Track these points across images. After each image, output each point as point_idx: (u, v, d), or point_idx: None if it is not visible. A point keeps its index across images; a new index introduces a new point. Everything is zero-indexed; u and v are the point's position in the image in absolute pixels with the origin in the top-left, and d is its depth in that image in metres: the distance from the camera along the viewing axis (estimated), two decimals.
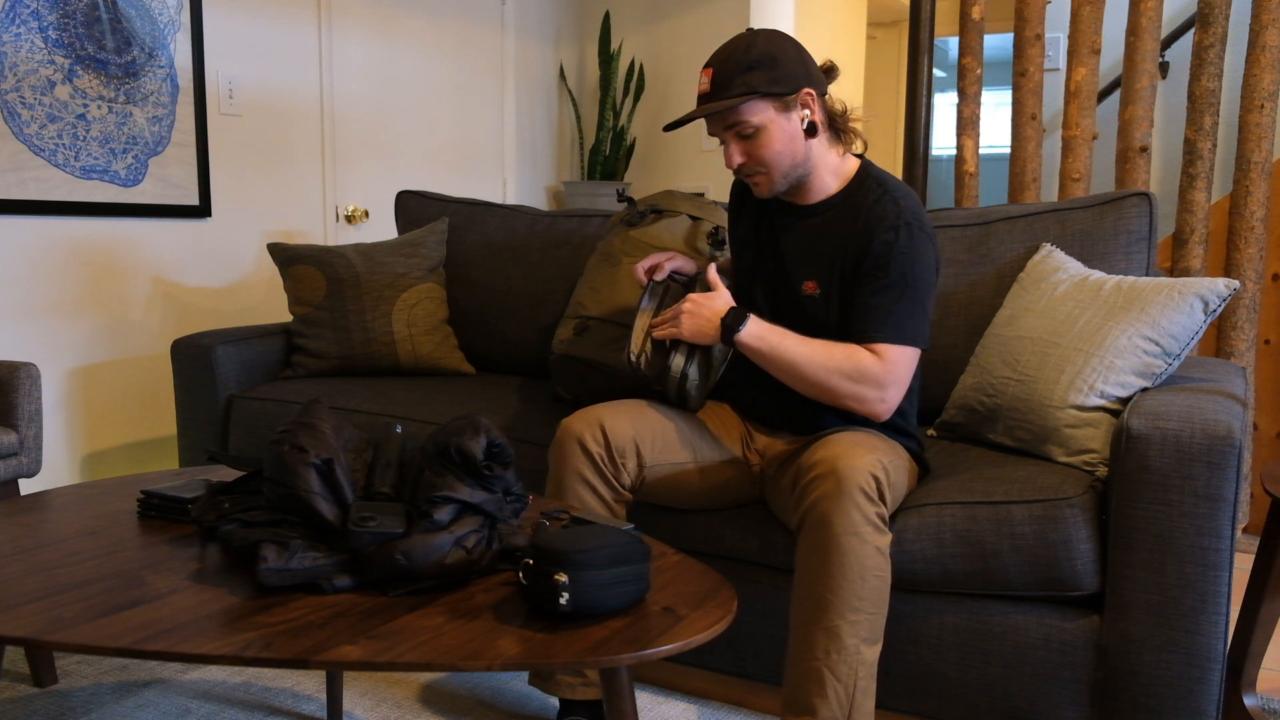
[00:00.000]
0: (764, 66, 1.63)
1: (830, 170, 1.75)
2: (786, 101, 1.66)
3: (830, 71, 1.73)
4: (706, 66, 1.67)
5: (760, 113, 1.65)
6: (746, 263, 1.86)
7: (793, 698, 1.54)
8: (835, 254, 1.72)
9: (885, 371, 1.63)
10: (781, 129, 1.67)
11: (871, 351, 1.64)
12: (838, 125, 1.73)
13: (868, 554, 1.50)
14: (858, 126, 1.76)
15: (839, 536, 1.50)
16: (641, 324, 1.81)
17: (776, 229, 1.80)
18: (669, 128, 1.71)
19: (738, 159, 1.70)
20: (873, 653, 1.53)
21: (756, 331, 1.67)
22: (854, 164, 1.77)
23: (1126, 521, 1.55)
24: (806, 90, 1.66)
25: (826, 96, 1.72)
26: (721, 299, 1.70)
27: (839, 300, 1.72)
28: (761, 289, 1.82)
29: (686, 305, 1.69)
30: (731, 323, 1.67)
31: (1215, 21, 2.72)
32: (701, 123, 1.78)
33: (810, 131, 1.68)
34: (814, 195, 1.76)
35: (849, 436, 1.62)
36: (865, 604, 1.51)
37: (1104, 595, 1.59)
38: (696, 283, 1.85)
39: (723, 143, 1.71)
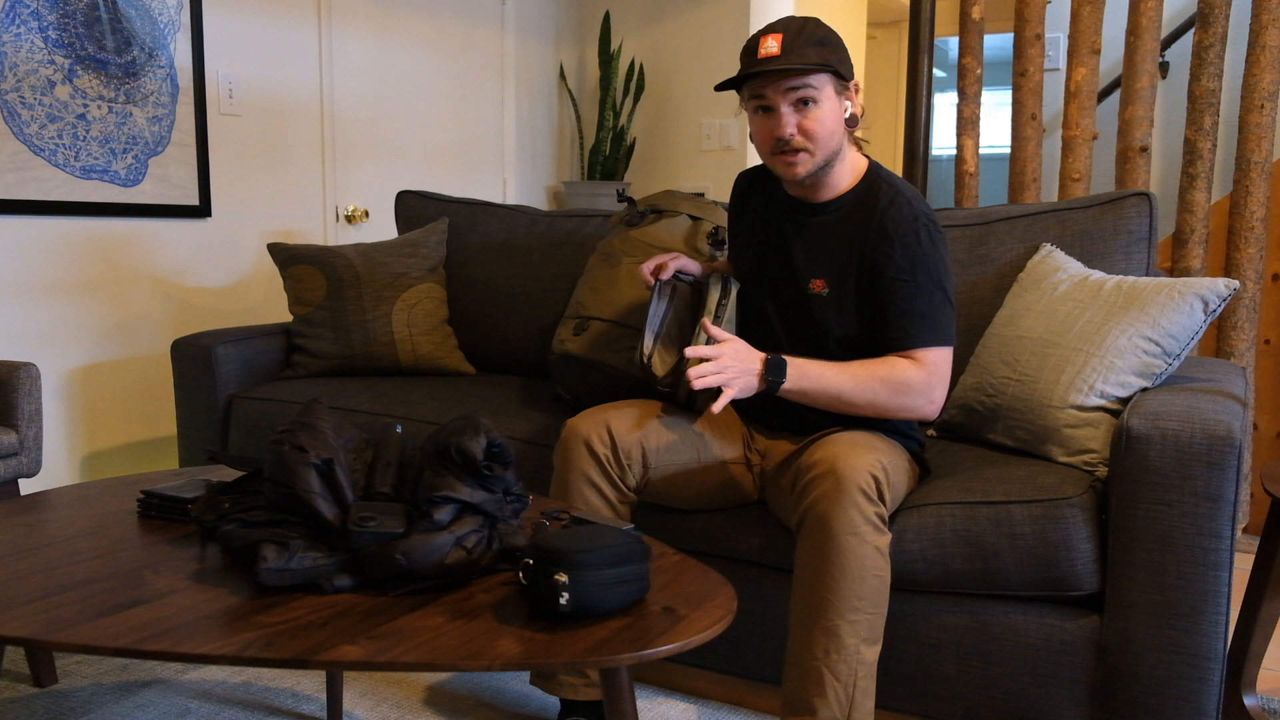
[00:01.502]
0: (832, 46, 1.66)
1: (847, 166, 1.76)
2: (845, 85, 1.69)
3: None
4: (771, 32, 1.66)
5: (825, 86, 1.66)
6: (752, 259, 1.86)
7: (792, 698, 1.54)
8: (847, 254, 1.72)
9: (929, 375, 1.65)
10: (835, 110, 1.68)
11: (911, 358, 1.65)
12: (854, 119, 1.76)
13: (867, 554, 1.51)
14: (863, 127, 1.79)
15: (838, 536, 1.50)
16: (652, 326, 1.80)
17: (785, 226, 1.80)
18: (721, 87, 1.68)
19: (790, 129, 1.66)
20: (872, 653, 1.53)
21: (797, 374, 1.65)
22: (863, 163, 1.78)
23: (1126, 521, 1.55)
24: (855, 82, 1.70)
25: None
26: (751, 350, 1.65)
27: (853, 301, 1.72)
28: (768, 286, 1.82)
29: (731, 356, 1.61)
30: (772, 376, 1.63)
31: (1215, 21, 2.72)
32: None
33: (851, 123, 1.71)
34: (827, 192, 1.76)
35: (849, 436, 1.62)
36: (865, 604, 1.51)
37: (1104, 595, 1.59)
38: (708, 285, 1.83)
39: (769, 110, 1.66)
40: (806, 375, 1.65)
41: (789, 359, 1.65)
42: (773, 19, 4.03)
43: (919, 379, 1.65)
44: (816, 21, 1.68)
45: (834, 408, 1.68)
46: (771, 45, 1.65)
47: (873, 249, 1.69)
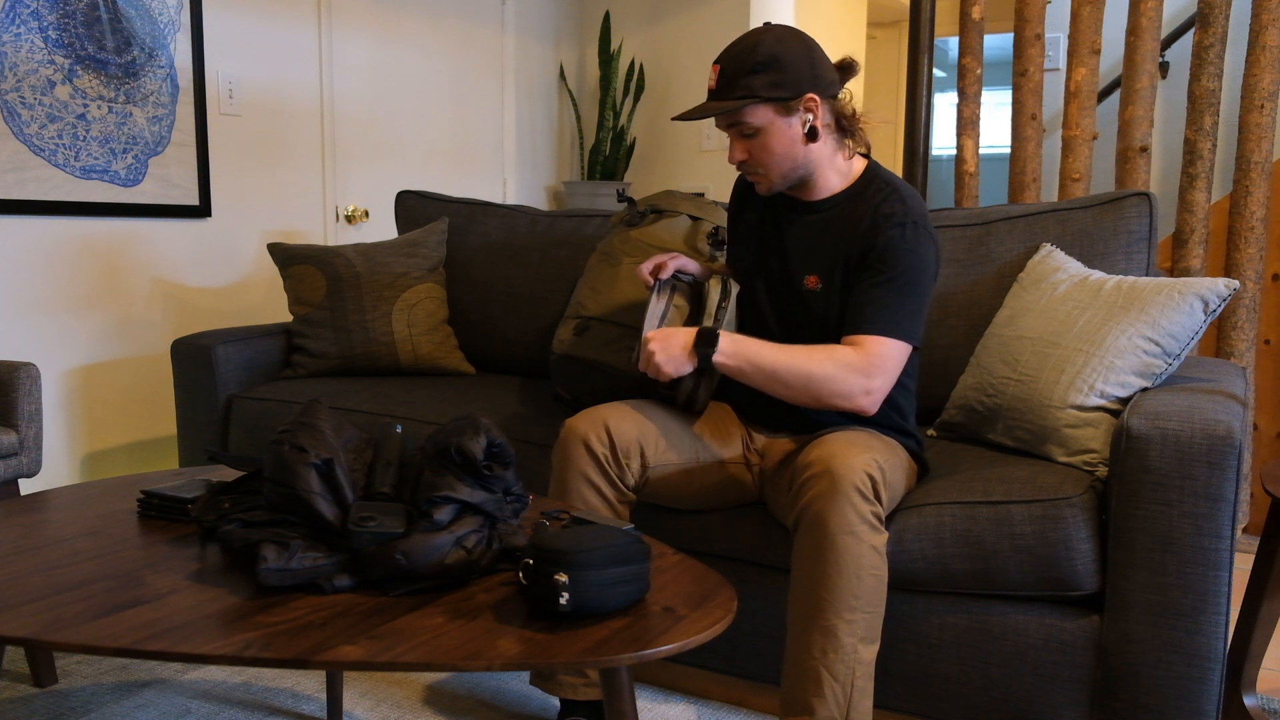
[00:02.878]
0: (767, 69, 1.63)
1: (835, 169, 1.75)
2: (788, 105, 1.66)
3: (848, 69, 1.72)
4: (716, 62, 1.68)
5: (760, 115, 1.66)
6: (749, 258, 1.86)
7: (791, 698, 1.54)
8: (839, 250, 1.72)
9: (867, 363, 1.61)
10: (781, 132, 1.67)
11: (854, 344, 1.64)
12: (845, 126, 1.73)
13: (864, 553, 1.51)
14: (865, 129, 1.75)
15: (834, 535, 1.50)
16: (650, 325, 1.80)
17: (780, 224, 1.81)
18: (677, 118, 1.72)
19: (739, 155, 1.72)
20: (870, 652, 1.53)
21: (729, 349, 1.64)
22: (860, 164, 1.78)
23: (1126, 521, 1.55)
24: (809, 95, 1.66)
25: (838, 99, 1.71)
26: (681, 330, 1.68)
27: (844, 298, 1.72)
28: (764, 284, 1.82)
29: (653, 346, 1.66)
30: (703, 346, 1.65)
31: (1215, 21, 2.72)
32: (700, 123, 1.80)
33: (811, 136, 1.69)
34: (818, 192, 1.76)
35: (845, 435, 1.62)
36: (862, 603, 1.51)
37: (1104, 595, 1.59)
38: (708, 286, 1.83)
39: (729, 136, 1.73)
40: (740, 353, 1.65)
41: (725, 333, 1.66)
42: (771, 18, 4.05)
43: (857, 364, 1.61)
44: (762, 40, 1.65)
45: (771, 388, 1.66)
46: (711, 78, 1.69)
47: (861, 241, 1.69)
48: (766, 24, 1.70)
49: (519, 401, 2.32)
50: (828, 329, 1.73)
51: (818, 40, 1.73)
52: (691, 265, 1.90)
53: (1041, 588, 1.60)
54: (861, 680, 1.52)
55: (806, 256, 1.76)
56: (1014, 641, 1.64)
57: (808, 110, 1.67)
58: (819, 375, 1.62)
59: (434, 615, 1.16)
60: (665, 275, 1.85)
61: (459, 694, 1.92)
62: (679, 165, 4.18)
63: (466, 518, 1.26)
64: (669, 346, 1.66)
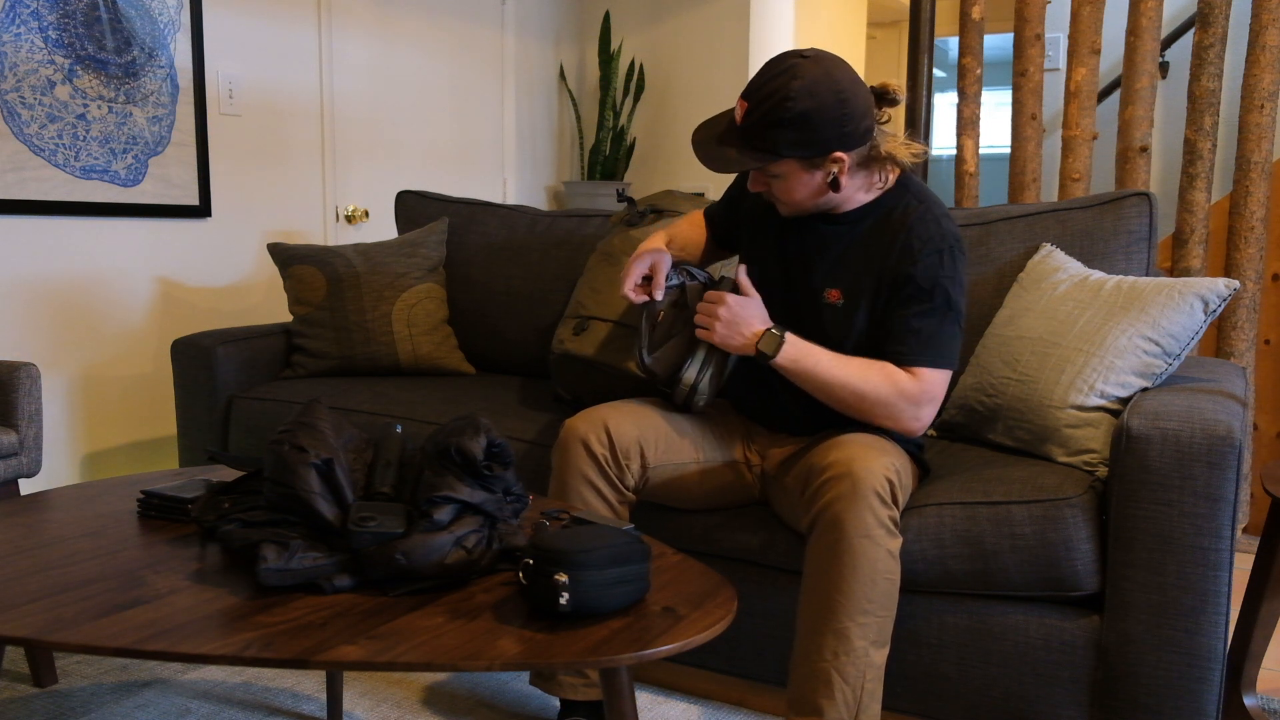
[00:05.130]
0: (795, 127, 1.56)
1: (860, 189, 1.69)
2: (813, 161, 1.61)
3: (884, 97, 1.64)
4: (744, 98, 1.60)
5: (783, 166, 1.61)
6: (769, 262, 1.79)
7: (799, 698, 1.54)
8: (867, 266, 1.68)
9: (921, 392, 1.63)
10: (803, 182, 1.63)
11: (909, 373, 1.63)
12: (874, 160, 1.66)
13: (880, 557, 1.50)
14: (902, 155, 1.67)
15: (852, 539, 1.50)
16: (649, 324, 1.77)
17: (806, 232, 1.75)
18: (700, 158, 1.64)
19: (758, 187, 1.68)
20: (881, 655, 1.53)
21: (792, 355, 1.64)
22: (893, 173, 1.71)
23: (1126, 521, 1.55)
24: (835, 155, 1.60)
25: (870, 144, 1.63)
26: (758, 314, 1.67)
27: (866, 314, 1.69)
28: (781, 289, 1.77)
29: (723, 311, 1.64)
30: (768, 348, 1.63)
31: (1215, 21, 2.72)
32: (700, 122, 1.74)
33: (834, 186, 1.63)
34: (844, 207, 1.71)
35: (861, 438, 1.61)
36: (875, 606, 1.51)
37: (1104, 595, 1.59)
38: (722, 284, 1.78)
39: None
40: (800, 359, 1.64)
41: (792, 337, 1.64)
42: (772, 19, 4.05)
43: (913, 391, 1.62)
44: (793, 90, 1.54)
45: (820, 396, 1.66)
46: (737, 113, 1.62)
47: (895, 264, 1.65)
48: (802, 60, 1.58)
49: (519, 401, 2.32)
50: (840, 342, 1.70)
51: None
52: (666, 264, 1.78)
53: (1041, 588, 1.60)
54: (871, 684, 1.52)
55: (830, 269, 1.71)
56: (1014, 641, 1.64)
57: (833, 164, 1.61)
58: (872, 397, 1.63)
59: (434, 615, 1.16)
60: (659, 295, 1.76)
61: (459, 694, 1.92)
62: (679, 165, 4.18)
63: (466, 518, 1.26)
64: (739, 328, 1.65)
